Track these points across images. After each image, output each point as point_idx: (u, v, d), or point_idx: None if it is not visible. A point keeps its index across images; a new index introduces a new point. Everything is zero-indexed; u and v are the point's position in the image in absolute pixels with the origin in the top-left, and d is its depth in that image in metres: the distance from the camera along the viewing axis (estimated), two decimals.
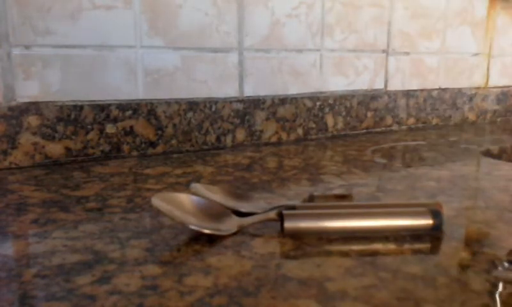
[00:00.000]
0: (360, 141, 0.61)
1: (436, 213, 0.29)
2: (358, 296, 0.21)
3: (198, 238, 0.28)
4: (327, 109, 0.63)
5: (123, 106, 0.49)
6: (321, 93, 0.63)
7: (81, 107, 0.47)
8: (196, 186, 0.33)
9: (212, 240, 0.28)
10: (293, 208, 0.30)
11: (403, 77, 0.71)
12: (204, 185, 0.34)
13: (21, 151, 0.45)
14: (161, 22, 0.50)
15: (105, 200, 0.35)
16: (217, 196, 0.33)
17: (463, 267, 0.25)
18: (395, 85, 0.70)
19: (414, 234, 0.29)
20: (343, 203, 0.32)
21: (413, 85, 0.72)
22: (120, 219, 0.31)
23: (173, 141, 0.52)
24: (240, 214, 0.31)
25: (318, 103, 0.62)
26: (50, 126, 0.46)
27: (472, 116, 0.81)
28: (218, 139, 0.55)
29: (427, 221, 0.29)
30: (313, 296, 0.21)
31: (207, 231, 0.28)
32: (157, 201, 0.28)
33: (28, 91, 0.45)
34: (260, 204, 0.33)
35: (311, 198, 0.33)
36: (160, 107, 0.51)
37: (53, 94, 0.46)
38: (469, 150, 0.57)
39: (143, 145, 0.51)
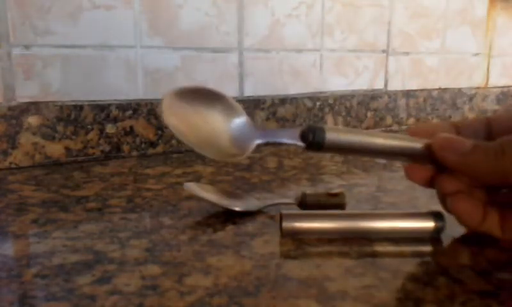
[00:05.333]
0: None
1: (438, 216, 0.28)
2: (358, 296, 0.21)
3: (197, 238, 0.28)
4: (327, 109, 0.63)
5: (123, 106, 0.49)
6: (321, 93, 0.63)
7: (81, 107, 0.47)
8: (189, 185, 0.33)
9: (211, 240, 0.28)
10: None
11: (403, 77, 0.71)
12: (198, 185, 0.34)
13: (21, 151, 0.45)
14: (161, 21, 0.50)
15: (105, 200, 0.35)
16: (211, 195, 0.33)
17: (463, 267, 0.25)
18: (395, 85, 0.70)
19: (414, 235, 0.29)
20: (343, 211, 0.32)
21: (413, 85, 0.72)
22: (120, 218, 0.31)
23: (173, 141, 0.52)
24: (234, 213, 0.32)
25: (318, 103, 0.62)
26: (50, 126, 0.46)
27: (472, 116, 0.81)
28: None
29: (429, 224, 0.28)
30: (314, 296, 0.21)
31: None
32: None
33: (28, 91, 0.45)
34: (254, 203, 0.33)
35: (303, 196, 0.33)
36: (160, 107, 0.51)
37: (53, 94, 0.46)
38: None
39: (143, 145, 0.51)
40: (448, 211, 0.29)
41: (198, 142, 0.28)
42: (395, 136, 0.28)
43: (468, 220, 0.27)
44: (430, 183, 0.29)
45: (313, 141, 0.27)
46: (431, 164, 0.28)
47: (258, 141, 0.29)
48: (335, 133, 0.27)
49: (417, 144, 0.28)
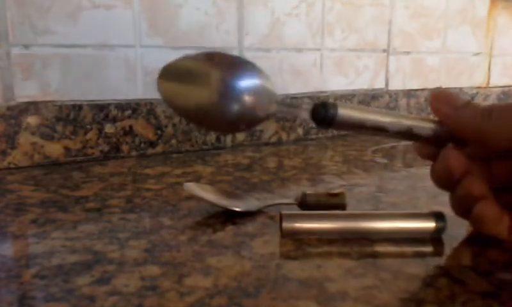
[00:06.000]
0: (361, 141, 0.61)
1: (439, 217, 0.28)
2: (358, 297, 0.21)
3: (197, 239, 0.28)
4: None
5: (122, 106, 0.49)
6: (321, 92, 0.63)
7: (80, 107, 0.47)
8: (189, 185, 0.33)
9: (211, 240, 0.28)
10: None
11: (404, 76, 0.71)
12: (197, 185, 0.34)
13: (20, 151, 0.45)
14: (161, 21, 0.50)
15: (105, 200, 0.35)
16: (210, 195, 0.33)
17: (464, 267, 0.24)
18: (396, 84, 0.70)
19: (415, 236, 0.29)
20: (344, 212, 0.31)
21: (414, 84, 0.72)
22: (119, 219, 0.31)
23: (173, 141, 0.52)
24: (234, 214, 0.31)
25: None
26: (49, 126, 0.46)
27: None
28: (218, 138, 0.55)
29: (430, 225, 0.28)
30: (314, 297, 0.21)
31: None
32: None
33: (27, 90, 0.45)
34: (254, 203, 0.33)
35: (303, 197, 0.33)
36: (159, 107, 0.51)
37: (52, 94, 0.46)
38: None
39: (143, 145, 0.51)
40: (457, 212, 0.28)
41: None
42: (407, 115, 0.28)
43: (490, 225, 0.27)
44: (452, 184, 0.28)
45: (325, 117, 0.26)
46: (439, 142, 0.28)
47: (270, 111, 0.27)
48: (347, 109, 0.26)
49: (427, 122, 0.28)
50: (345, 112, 0.26)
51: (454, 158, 0.27)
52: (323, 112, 0.26)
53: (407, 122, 0.27)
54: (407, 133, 0.28)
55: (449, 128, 0.27)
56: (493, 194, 0.27)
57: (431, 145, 0.29)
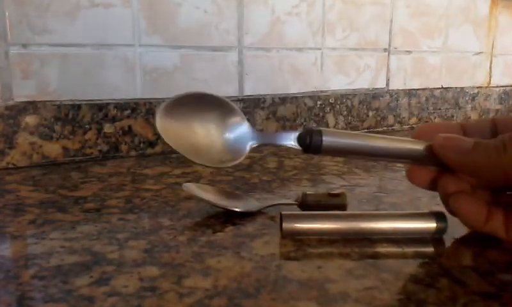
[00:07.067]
0: None
1: (440, 217, 0.28)
2: (359, 298, 0.21)
3: (197, 239, 0.28)
4: (328, 108, 0.63)
5: (121, 105, 0.49)
6: (322, 92, 0.63)
7: (79, 107, 0.47)
8: (188, 185, 0.33)
9: (211, 241, 0.27)
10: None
11: (405, 75, 0.71)
12: (197, 185, 0.34)
13: (18, 151, 0.44)
14: (160, 20, 0.50)
15: (104, 201, 0.35)
16: (210, 195, 0.33)
17: (465, 268, 0.24)
18: (397, 84, 0.70)
19: (416, 236, 0.28)
20: (344, 212, 0.31)
21: (415, 84, 0.72)
22: (118, 219, 0.31)
23: None
24: (234, 214, 0.31)
25: (319, 103, 0.62)
26: (47, 126, 0.45)
27: (474, 116, 0.80)
28: None
29: (431, 225, 0.28)
30: (314, 298, 0.21)
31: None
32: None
33: (26, 90, 0.45)
34: (253, 203, 0.33)
35: (304, 197, 0.32)
36: (158, 106, 0.50)
37: (51, 94, 0.46)
38: None
39: (142, 145, 0.50)
40: (451, 212, 0.28)
41: (189, 153, 0.28)
42: (396, 138, 0.28)
43: (471, 220, 0.27)
44: (431, 186, 0.28)
45: (311, 145, 0.26)
46: (432, 165, 0.28)
47: (252, 143, 0.29)
48: (333, 136, 0.26)
49: (418, 146, 0.27)
50: (330, 139, 0.26)
51: (417, 175, 0.28)
52: (308, 140, 0.26)
53: (398, 145, 0.27)
54: (398, 157, 0.28)
55: (461, 173, 0.26)
56: (478, 191, 0.27)
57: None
